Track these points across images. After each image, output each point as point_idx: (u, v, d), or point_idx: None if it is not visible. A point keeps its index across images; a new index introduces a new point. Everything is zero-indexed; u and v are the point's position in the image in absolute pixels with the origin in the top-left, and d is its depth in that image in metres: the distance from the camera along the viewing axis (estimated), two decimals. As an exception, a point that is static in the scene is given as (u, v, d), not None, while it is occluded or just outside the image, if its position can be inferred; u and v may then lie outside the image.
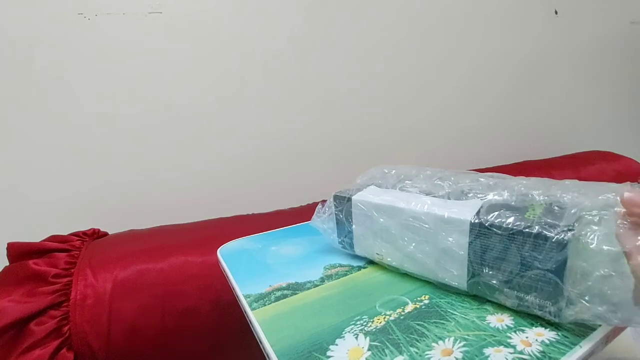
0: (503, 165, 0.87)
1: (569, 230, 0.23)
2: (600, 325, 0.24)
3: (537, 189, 0.29)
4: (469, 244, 0.28)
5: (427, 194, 0.34)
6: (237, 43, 0.75)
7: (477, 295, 0.29)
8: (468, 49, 0.97)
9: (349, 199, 0.37)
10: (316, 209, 0.41)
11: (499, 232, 0.26)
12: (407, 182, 0.37)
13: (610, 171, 0.85)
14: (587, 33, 1.13)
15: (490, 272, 0.27)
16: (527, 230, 0.25)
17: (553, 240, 0.23)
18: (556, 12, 1.07)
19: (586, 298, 0.23)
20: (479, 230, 0.27)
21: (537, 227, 0.24)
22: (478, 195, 0.31)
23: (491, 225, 0.26)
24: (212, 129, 0.76)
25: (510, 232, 0.25)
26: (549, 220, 0.25)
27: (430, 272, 0.31)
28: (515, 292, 0.26)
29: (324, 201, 0.65)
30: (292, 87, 0.80)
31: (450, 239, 0.29)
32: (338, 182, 0.43)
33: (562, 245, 0.23)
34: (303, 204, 0.69)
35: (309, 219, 0.43)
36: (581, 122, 1.19)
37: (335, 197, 0.39)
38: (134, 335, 0.46)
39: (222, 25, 0.73)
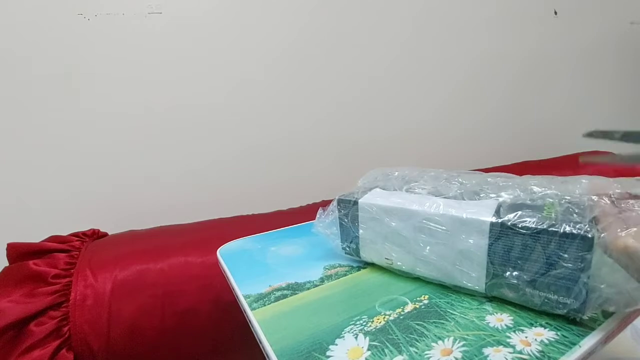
0: (503, 165, 0.87)
1: (593, 226, 0.23)
2: (599, 325, 0.24)
3: (549, 186, 0.28)
4: (489, 245, 0.27)
5: (436, 196, 0.33)
6: (237, 44, 0.75)
7: (495, 297, 0.28)
8: (468, 50, 0.97)
9: (355, 203, 0.36)
10: (317, 214, 0.40)
11: (523, 231, 0.25)
12: (413, 183, 0.36)
13: (610, 171, 0.85)
14: (587, 33, 1.13)
15: (512, 273, 0.26)
16: (552, 229, 0.24)
17: (580, 238, 0.23)
18: (555, 13, 1.07)
19: (603, 288, 0.23)
20: (500, 231, 0.26)
21: (563, 225, 0.24)
22: (491, 196, 0.30)
23: (514, 225, 0.26)
24: (212, 130, 0.76)
25: (535, 231, 0.25)
26: (569, 217, 0.24)
27: (446, 275, 0.31)
28: (538, 291, 0.25)
29: (324, 202, 0.66)
30: (292, 88, 0.80)
31: (470, 240, 0.28)
32: (338, 183, 0.43)
33: (589, 243, 0.23)
34: (303, 204, 0.69)
35: (309, 219, 0.42)
36: (581, 122, 1.19)
37: (340, 201, 0.37)
38: (133, 335, 0.46)
39: (222, 26, 0.73)
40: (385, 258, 0.35)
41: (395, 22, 0.87)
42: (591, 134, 0.29)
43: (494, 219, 0.27)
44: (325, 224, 0.39)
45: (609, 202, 0.25)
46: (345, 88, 0.85)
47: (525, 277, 0.26)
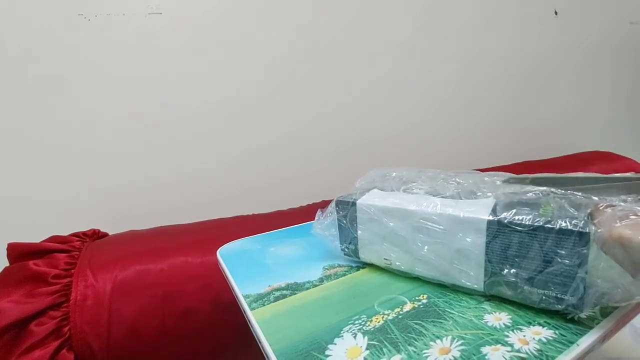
0: (503, 165, 0.87)
1: (589, 222, 0.23)
2: (597, 323, 0.24)
3: (546, 184, 0.29)
4: (487, 243, 0.27)
5: (434, 195, 0.33)
6: (237, 44, 0.75)
7: (495, 295, 0.29)
8: (467, 50, 0.97)
9: (354, 204, 0.36)
10: (316, 216, 0.40)
11: (520, 229, 0.25)
12: (411, 184, 0.36)
13: (610, 172, 0.85)
14: (587, 33, 1.13)
15: (510, 271, 0.26)
16: (548, 225, 0.24)
17: (577, 234, 0.23)
18: (556, 13, 1.07)
19: (600, 283, 0.23)
20: (498, 229, 0.27)
21: (558, 221, 0.24)
22: (488, 194, 0.31)
23: (511, 222, 0.26)
24: (212, 130, 0.76)
25: (531, 228, 0.25)
26: (566, 213, 0.25)
27: (444, 274, 0.31)
28: (536, 288, 0.26)
29: (324, 202, 0.66)
30: (292, 88, 0.81)
31: (467, 239, 0.28)
32: (338, 183, 0.43)
33: (585, 238, 0.23)
34: (303, 204, 0.69)
35: (309, 219, 0.42)
36: (581, 122, 1.19)
37: (338, 203, 0.38)
38: (134, 335, 0.46)
39: (222, 26, 0.73)
40: (384, 258, 0.35)
41: (395, 22, 0.88)
42: (507, 180, 0.31)
43: (490, 217, 0.27)
44: (324, 226, 0.39)
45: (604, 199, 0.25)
46: (344, 88, 0.85)
47: (523, 274, 0.26)
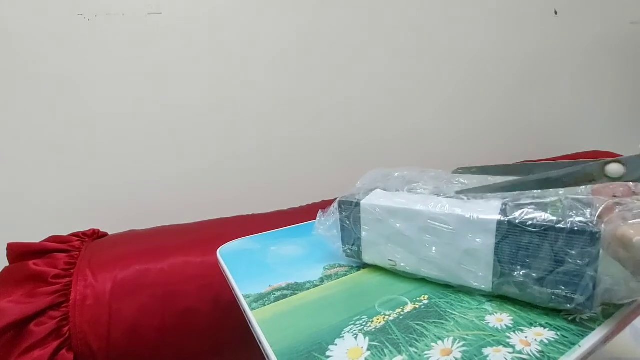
0: (503, 165, 0.87)
1: (599, 222, 0.23)
2: (599, 325, 0.24)
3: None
4: (496, 244, 0.27)
5: (439, 195, 0.33)
6: (237, 44, 0.75)
7: (497, 296, 0.28)
8: (468, 50, 0.97)
9: (357, 204, 0.35)
10: (317, 216, 0.39)
11: (530, 229, 0.25)
12: (414, 184, 0.36)
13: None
14: (587, 33, 1.13)
15: (520, 272, 0.26)
16: (559, 225, 0.24)
17: (588, 234, 0.23)
18: (556, 13, 1.07)
19: (607, 280, 0.23)
20: (508, 229, 0.26)
21: (569, 221, 0.24)
22: (495, 195, 0.30)
23: (521, 222, 0.26)
24: (212, 130, 0.76)
25: (542, 228, 0.25)
26: (575, 214, 0.24)
27: (451, 275, 0.30)
28: (546, 288, 0.25)
29: (324, 202, 0.66)
30: (292, 88, 0.81)
31: (477, 240, 0.28)
32: (338, 183, 0.43)
33: (595, 238, 0.23)
34: (303, 204, 0.69)
35: (309, 219, 0.42)
36: (581, 122, 1.19)
37: (341, 203, 0.37)
38: (134, 335, 0.46)
39: (222, 26, 0.73)
40: (389, 260, 0.34)
41: (395, 22, 0.87)
42: (456, 171, 0.33)
43: (500, 218, 0.27)
44: (326, 227, 0.39)
45: (612, 198, 0.25)
46: (344, 88, 0.85)
47: (533, 274, 0.26)
